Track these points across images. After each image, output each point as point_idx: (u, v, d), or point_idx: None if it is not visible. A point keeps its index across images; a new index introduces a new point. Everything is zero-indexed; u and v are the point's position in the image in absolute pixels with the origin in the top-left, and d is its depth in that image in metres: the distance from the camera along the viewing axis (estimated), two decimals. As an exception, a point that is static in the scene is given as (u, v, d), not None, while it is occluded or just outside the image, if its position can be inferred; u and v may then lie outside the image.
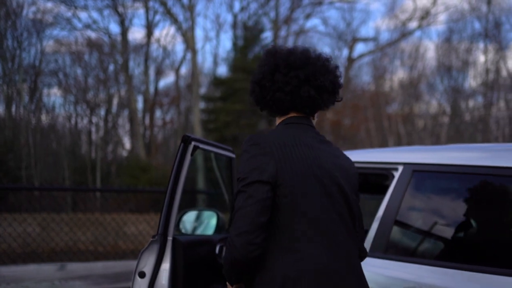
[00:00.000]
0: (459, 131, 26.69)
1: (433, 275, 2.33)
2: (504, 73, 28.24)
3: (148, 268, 2.51)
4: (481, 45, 29.44)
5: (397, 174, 2.71)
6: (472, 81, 28.89)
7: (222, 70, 35.13)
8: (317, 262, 1.72)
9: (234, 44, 26.85)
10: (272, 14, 27.88)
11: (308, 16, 28.31)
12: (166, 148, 30.72)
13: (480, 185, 2.47)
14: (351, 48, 29.29)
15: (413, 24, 29.77)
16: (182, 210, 3.31)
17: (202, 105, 25.32)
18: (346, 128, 25.44)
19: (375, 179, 3.35)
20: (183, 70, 33.65)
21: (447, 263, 2.33)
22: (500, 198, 2.43)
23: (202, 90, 27.02)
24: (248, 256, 1.68)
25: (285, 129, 1.92)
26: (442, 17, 46.72)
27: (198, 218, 3.46)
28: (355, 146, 24.08)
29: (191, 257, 2.69)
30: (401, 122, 26.16)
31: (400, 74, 28.32)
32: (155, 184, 18.86)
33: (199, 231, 3.37)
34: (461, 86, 28.26)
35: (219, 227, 3.29)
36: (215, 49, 38.54)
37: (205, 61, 41.19)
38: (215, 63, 28.21)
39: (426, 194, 2.65)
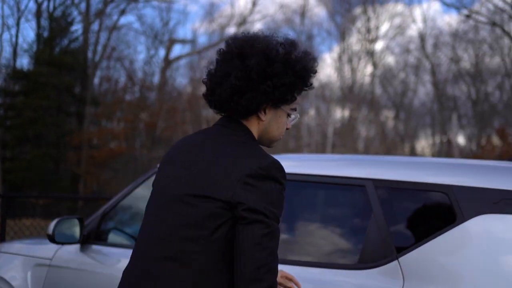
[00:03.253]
0: (274, 137, 28.16)
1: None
2: (314, 82, 30.46)
3: None
4: (295, 54, 31.49)
5: None
6: (286, 89, 30.73)
7: (24, 62, 32.85)
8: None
9: (38, 35, 25.32)
10: (83, 6, 26.91)
11: (123, 12, 27.82)
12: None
13: (303, 191, 2.87)
14: (168, 49, 29.44)
15: (232, 30, 30.88)
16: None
17: (-2, 99, 23.42)
18: (162, 130, 25.40)
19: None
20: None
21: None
22: (320, 202, 2.90)
23: (-1, 83, 24.94)
24: None
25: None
26: (258, 25, 49.16)
27: None
28: (171, 148, 24.17)
29: None
30: (218, 126, 26.83)
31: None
32: None
33: None
34: (276, 93, 29.91)
35: None
36: (14, 38, 35.75)
37: (3, 51, 38.04)
38: (15, 53, 26.19)
39: None
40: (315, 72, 1.89)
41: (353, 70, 30.76)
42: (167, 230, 1.70)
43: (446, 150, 28.21)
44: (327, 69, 44.33)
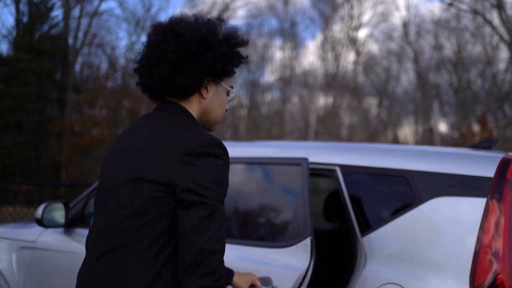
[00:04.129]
0: (257, 124, 28.37)
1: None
2: (298, 70, 30.68)
3: None
4: (278, 42, 31.64)
5: None
6: (269, 76, 30.96)
7: (3, 48, 32.51)
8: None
9: (17, 21, 25.12)
10: (63, -9, 26.68)
11: (104, -3, 27.69)
12: None
13: (259, 173, 3.06)
14: (150, 35, 29.29)
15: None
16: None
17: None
18: (144, 117, 25.42)
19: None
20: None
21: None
22: (273, 184, 3.08)
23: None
24: None
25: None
26: (241, 12, 49.17)
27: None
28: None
29: None
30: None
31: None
32: None
33: None
34: (258, 80, 30.13)
35: None
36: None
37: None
38: (-6, 39, 26.01)
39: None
40: (247, 43, 1.82)
41: (336, 58, 30.96)
42: (110, 223, 1.63)
43: (428, 137, 28.58)
44: (310, 56, 44.58)
